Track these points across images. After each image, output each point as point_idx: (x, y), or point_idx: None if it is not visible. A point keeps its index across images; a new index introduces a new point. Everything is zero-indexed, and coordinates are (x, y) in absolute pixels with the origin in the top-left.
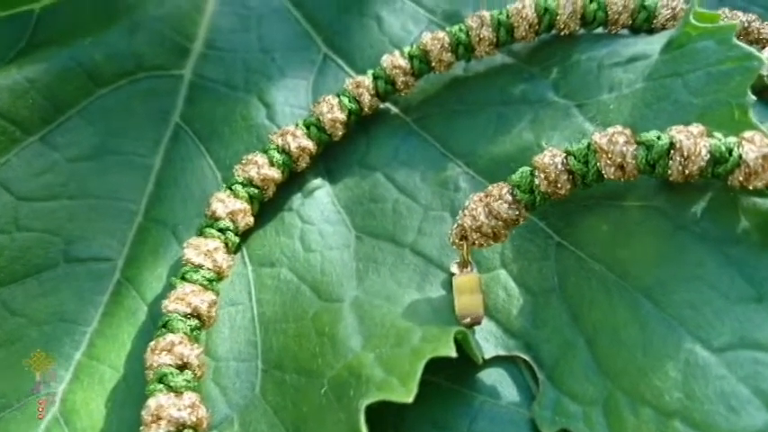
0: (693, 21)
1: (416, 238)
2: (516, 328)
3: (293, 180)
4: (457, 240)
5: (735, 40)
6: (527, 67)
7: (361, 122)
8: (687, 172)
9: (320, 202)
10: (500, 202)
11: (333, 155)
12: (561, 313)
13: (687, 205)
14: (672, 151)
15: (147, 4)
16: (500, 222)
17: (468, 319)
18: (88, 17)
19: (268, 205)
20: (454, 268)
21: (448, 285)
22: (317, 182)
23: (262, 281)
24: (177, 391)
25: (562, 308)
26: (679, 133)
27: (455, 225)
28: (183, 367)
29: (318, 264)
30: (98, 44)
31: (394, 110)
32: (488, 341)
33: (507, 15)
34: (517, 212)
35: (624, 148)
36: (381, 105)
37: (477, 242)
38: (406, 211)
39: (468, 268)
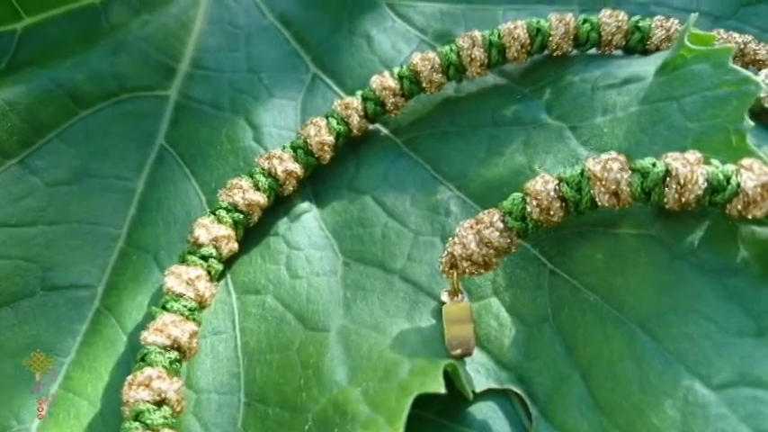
0: (688, 43)
1: (406, 265)
2: (508, 360)
3: (279, 204)
4: (447, 269)
5: (731, 64)
6: (519, 87)
7: (350, 144)
8: (684, 200)
9: (307, 226)
10: (491, 229)
11: (321, 178)
12: (555, 345)
13: (684, 234)
14: (668, 179)
15: (132, 24)
16: (491, 251)
17: (458, 351)
18: (71, 38)
19: (253, 230)
20: (444, 296)
21: (438, 314)
22: (305, 206)
23: (246, 309)
24: (154, 429)
25: (556, 339)
26: (675, 160)
27: (445, 253)
28: (160, 403)
29: (304, 291)
30: (80, 65)
31: (384, 131)
32: (480, 373)
33: (499, 36)
34: (509, 240)
35: (618, 176)
36: (371, 127)
37: (467, 271)
38: (395, 237)
39: (459, 297)
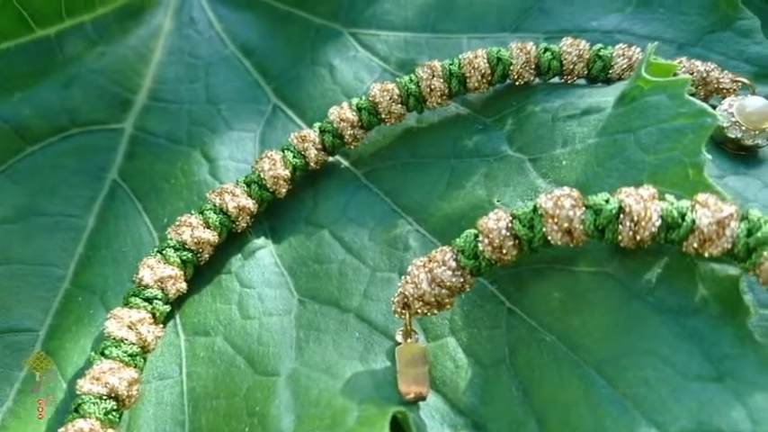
0: (645, 74)
1: (362, 303)
2: (464, 404)
3: (233, 239)
4: (399, 309)
5: (687, 96)
6: (481, 117)
7: (308, 177)
8: (638, 238)
9: (262, 263)
10: (443, 268)
11: (278, 211)
12: (511, 388)
13: (642, 271)
14: (621, 216)
15: (87, 57)
16: (444, 290)
17: (412, 395)
18: (21, 71)
19: (205, 268)
20: (399, 337)
21: (393, 355)
22: (260, 241)
23: (195, 352)
24: None
25: (512, 382)
26: (628, 197)
27: (397, 293)
28: None
29: (256, 332)
30: (28, 99)
31: (344, 163)
32: (434, 418)
33: (459, 66)
34: (462, 279)
35: (571, 213)
36: (330, 159)
37: (420, 311)
38: (352, 273)
39: (413, 338)
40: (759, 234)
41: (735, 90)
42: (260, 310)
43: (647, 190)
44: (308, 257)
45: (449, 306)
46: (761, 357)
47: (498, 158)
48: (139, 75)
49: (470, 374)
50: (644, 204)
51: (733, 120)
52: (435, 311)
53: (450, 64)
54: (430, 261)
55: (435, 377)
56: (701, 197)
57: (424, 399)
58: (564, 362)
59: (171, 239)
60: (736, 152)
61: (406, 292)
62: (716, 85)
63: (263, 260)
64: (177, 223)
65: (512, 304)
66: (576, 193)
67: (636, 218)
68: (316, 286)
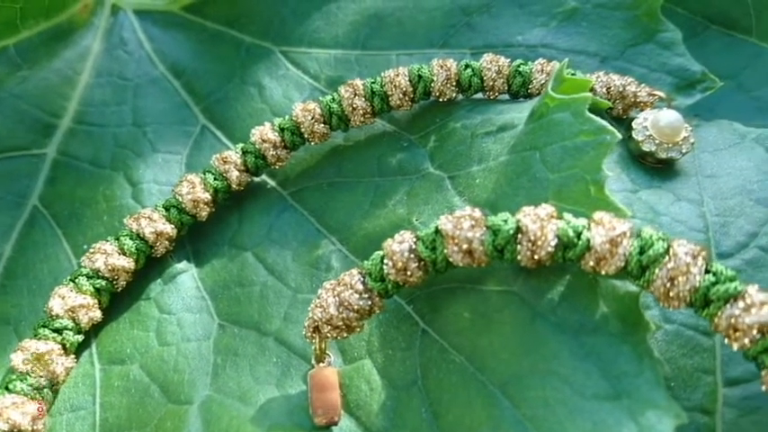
0: (551, 91)
1: (281, 326)
2: (377, 428)
3: (155, 264)
4: (310, 333)
5: (588, 113)
6: (406, 134)
7: (234, 198)
8: (536, 257)
9: (183, 288)
10: (350, 291)
11: (202, 234)
12: (421, 411)
13: (546, 290)
14: (519, 236)
15: (7, 82)
16: (352, 313)
17: (323, 419)
18: None
19: (124, 295)
20: (313, 360)
21: None
22: (182, 266)
23: (109, 381)
24: None
25: (423, 404)
26: (525, 216)
27: (307, 317)
28: None
29: (173, 359)
30: None
31: (271, 183)
32: None
33: (381, 84)
34: (370, 302)
35: (470, 234)
36: (257, 179)
37: (329, 335)
38: (273, 296)
39: (326, 361)
40: (651, 252)
41: (652, 103)
42: (178, 337)
43: (545, 209)
44: (231, 280)
45: (359, 329)
46: (657, 374)
47: (420, 176)
48: (65, 98)
49: (384, 397)
50: (540, 224)
51: (647, 133)
52: (345, 335)
53: (372, 82)
54: (339, 284)
55: (350, 400)
56: (597, 215)
57: (335, 423)
58: (471, 383)
59: (84, 267)
60: (655, 165)
61: (315, 317)
62: (633, 99)
63: (185, 285)
64: (91, 250)
65: (425, 324)
66: (477, 213)
67: (533, 237)
68: (237, 310)
